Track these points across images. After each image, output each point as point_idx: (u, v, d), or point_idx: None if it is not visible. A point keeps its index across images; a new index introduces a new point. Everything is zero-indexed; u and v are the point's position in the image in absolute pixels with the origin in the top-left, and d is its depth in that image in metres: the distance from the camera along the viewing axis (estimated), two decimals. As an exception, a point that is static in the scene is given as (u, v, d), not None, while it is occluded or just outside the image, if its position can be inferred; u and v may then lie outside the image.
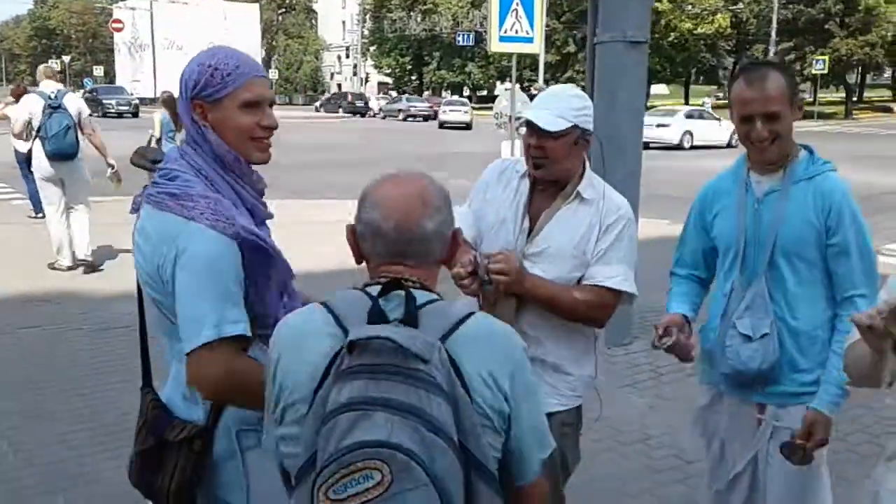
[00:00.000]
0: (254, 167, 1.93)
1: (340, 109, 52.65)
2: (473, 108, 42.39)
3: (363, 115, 51.51)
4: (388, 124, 43.11)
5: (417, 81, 70.52)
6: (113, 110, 41.96)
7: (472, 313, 1.40)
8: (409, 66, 68.66)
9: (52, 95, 7.50)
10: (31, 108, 7.53)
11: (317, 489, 1.22)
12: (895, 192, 14.91)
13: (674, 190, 13.83)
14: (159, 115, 10.02)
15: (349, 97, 56.16)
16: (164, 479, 1.84)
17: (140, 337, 2.05)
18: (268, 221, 1.99)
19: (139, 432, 1.94)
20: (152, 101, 43.15)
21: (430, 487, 1.19)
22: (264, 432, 1.52)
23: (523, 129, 2.43)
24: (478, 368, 1.33)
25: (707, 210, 2.59)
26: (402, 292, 1.37)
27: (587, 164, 2.49)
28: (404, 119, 46.19)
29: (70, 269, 7.82)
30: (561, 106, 2.34)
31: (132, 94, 47.77)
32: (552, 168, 2.37)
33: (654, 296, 6.95)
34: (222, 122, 1.82)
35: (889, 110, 50.42)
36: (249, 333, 1.73)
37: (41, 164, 7.54)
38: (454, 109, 40.46)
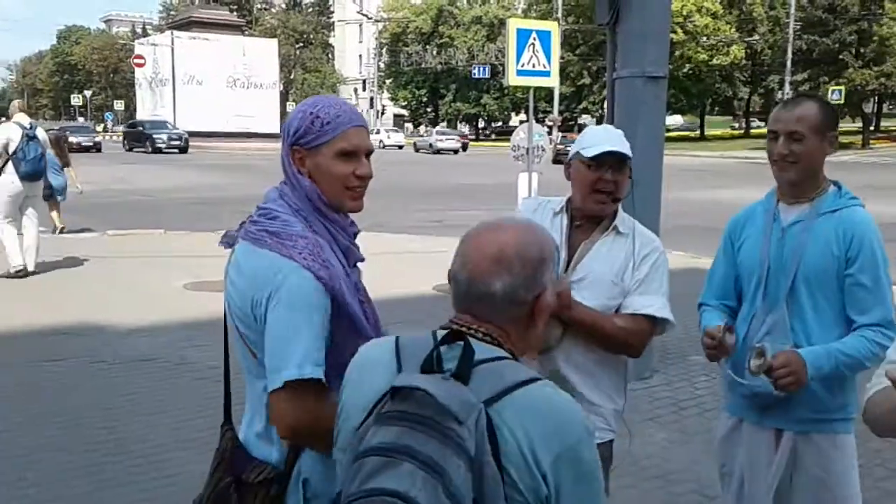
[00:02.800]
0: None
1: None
2: (492, 140, 44.49)
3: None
4: (403, 156, 43.65)
5: (433, 113, 71.05)
6: (164, 145, 41.09)
7: (534, 380, 1.34)
8: (425, 99, 69.24)
9: (29, 126, 9.01)
10: (9, 134, 8.81)
11: None
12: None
13: (693, 221, 13.81)
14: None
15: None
16: None
17: (224, 373, 2.07)
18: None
19: (215, 470, 1.92)
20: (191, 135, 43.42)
21: None
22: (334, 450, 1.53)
23: (540, 154, 2.51)
24: (517, 439, 1.27)
25: (735, 238, 2.65)
26: (463, 343, 1.35)
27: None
28: (436, 152, 49.15)
29: (25, 273, 8.89)
30: (615, 139, 2.45)
31: (178, 128, 46.71)
32: (616, 200, 2.47)
33: (673, 329, 6.94)
34: (318, 170, 1.86)
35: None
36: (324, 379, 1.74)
37: (13, 183, 8.86)
38: (449, 138, 50.82)
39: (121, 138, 48.89)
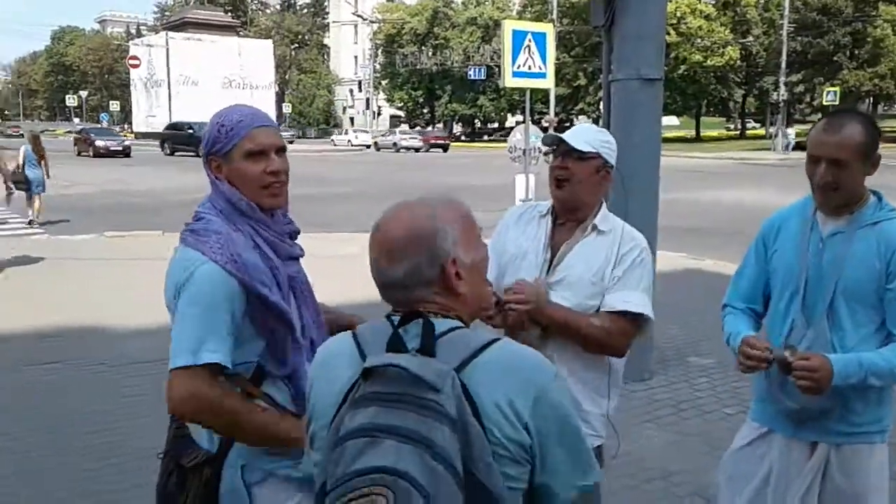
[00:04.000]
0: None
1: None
2: (486, 141, 44.41)
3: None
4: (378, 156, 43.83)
5: (429, 114, 71.05)
6: None
7: (494, 340, 1.40)
8: (421, 100, 69.26)
9: None
10: None
11: None
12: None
13: (691, 222, 13.82)
14: (24, 147, 14.16)
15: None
16: (182, 503, 1.97)
17: None
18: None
19: (163, 458, 2.08)
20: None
21: None
22: (304, 456, 1.58)
23: (549, 158, 2.57)
24: (494, 397, 1.33)
25: (769, 243, 2.58)
26: (422, 321, 1.39)
27: (604, 201, 2.59)
28: (397, 150, 50.06)
29: None
30: (588, 136, 2.52)
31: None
32: (574, 189, 2.48)
33: (671, 332, 7.00)
34: (233, 174, 1.99)
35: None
36: (226, 363, 1.86)
37: None
38: (412, 137, 52.44)
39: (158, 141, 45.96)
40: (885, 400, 2.45)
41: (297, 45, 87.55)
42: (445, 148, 50.79)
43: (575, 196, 2.50)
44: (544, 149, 11.39)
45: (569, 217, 2.55)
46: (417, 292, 1.43)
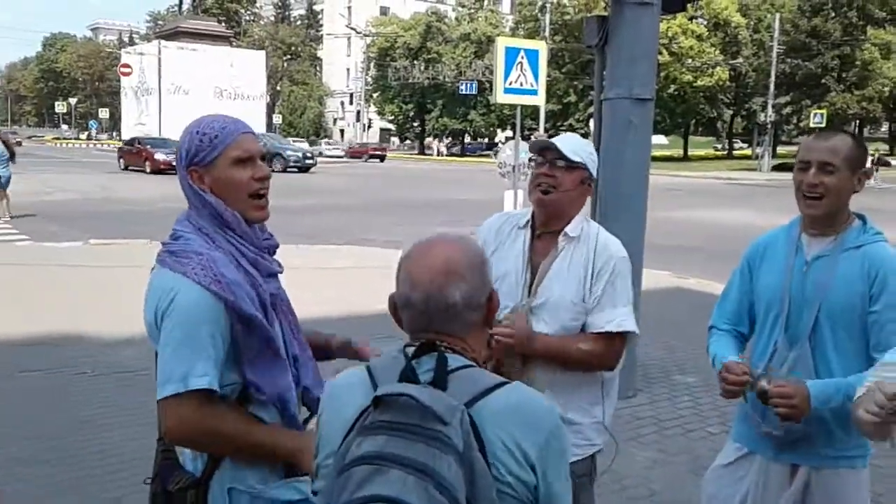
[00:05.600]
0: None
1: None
2: (477, 156, 44.73)
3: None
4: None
5: (420, 128, 71.26)
6: (294, 163, 36.25)
7: (505, 382, 1.41)
8: (412, 113, 69.46)
9: None
10: None
11: None
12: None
13: (676, 241, 13.90)
14: None
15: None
16: None
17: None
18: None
19: (151, 483, 2.03)
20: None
21: None
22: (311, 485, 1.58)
23: (527, 171, 2.55)
24: (501, 437, 1.34)
25: (754, 266, 2.59)
26: (436, 354, 1.40)
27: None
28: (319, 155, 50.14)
29: None
30: (576, 145, 2.53)
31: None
32: (558, 197, 2.47)
33: (655, 350, 7.03)
34: (218, 183, 1.93)
35: (887, 164, 50.86)
36: (215, 387, 1.82)
37: None
38: (335, 148, 57.31)
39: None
40: None
41: (289, 56, 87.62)
42: (382, 158, 55.51)
43: (559, 206, 2.50)
44: (534, 162, 11.53)
45: (547, 228, 2.54)
46: (466, 320, 1.45)
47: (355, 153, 56.18)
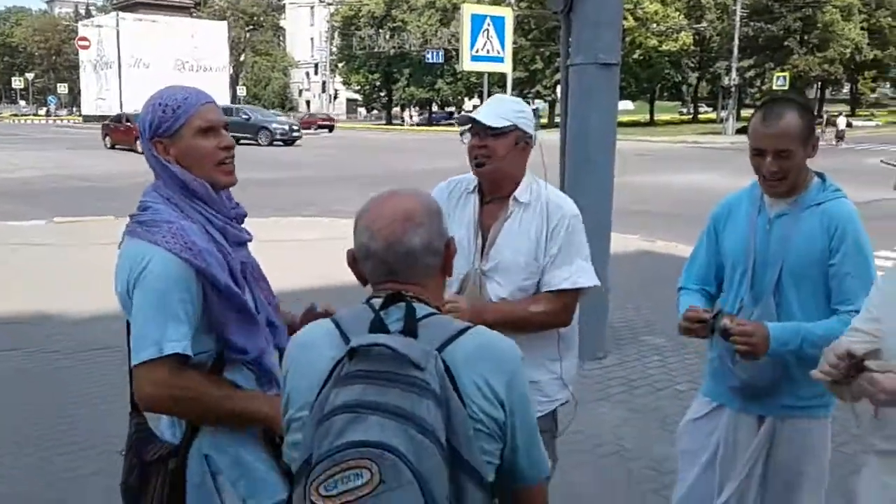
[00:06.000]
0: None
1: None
2: (443, 125, 44.35)
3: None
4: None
5: (386, 98, 70.73)
6: (280, 136, 35.60)
7: (470, 327, 1.48)
8: (379, 83, 68.88)
9: None
10: None
11: (309, 485, 1.29)
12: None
13: (644, 205, 14.05)
14: None
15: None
16: (147, 499, 1.96)
17: (129, 361, 2.09)
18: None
19: (126, 456, 2.06)
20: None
21: (414, 486, 1.25)
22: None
23: (467, 137, 2.52)
24: (473, 377, 1.41)
25: (720, 227, 2.69)
26: (403, 304, 1.45)
27: (527, 172, 2.57)
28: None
29: None
30: (501, 108, 2.49)
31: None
32: (495, 166, 2.47)
33: (625, 312, 7.15)
34: (184, 152, 1.95)
35: (849, 125, 51.75)
36: (189, 352, 1.84)
37: None
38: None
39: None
40: None
41: (252, 26, 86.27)
42: (331, 129, 55.27)
43: (498, 173, 2.50)
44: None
45: (496, 194, 2.55)
46: (427, 266, 1.50)
47: (305, 124, 54.66)
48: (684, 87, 63.79)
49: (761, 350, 2.38)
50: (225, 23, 68.66)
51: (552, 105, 57.75)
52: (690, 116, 66.95)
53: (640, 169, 21.08)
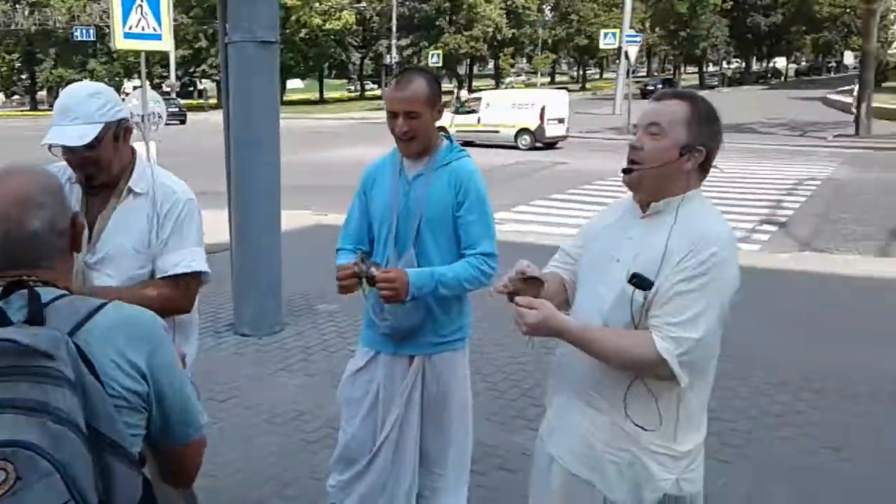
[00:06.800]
0: None
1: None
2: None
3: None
4: None
5: (30, 81, 63.63)
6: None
7: (105, 303, 1.45)
8: (19, 64, 61.67)
9: None
10: None
11: None
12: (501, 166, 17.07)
13: (317, 180, 14.39)
14: None
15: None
16: None
17: None
18: None
19: None
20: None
21: (54, 476, 1.23)
22: None
23: (57, 148, 2.35)
24: (111, 354, 1.38)
25: (368, 189, 2.98)
26: (25, 291, 1.38)
27: (137, 156, 2.49)
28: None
29: None
30: (81, 113, 2.30)
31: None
32: (105, 175, 2.38)
33: (300, 284, 7.39)
34: None
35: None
36: None
37: None
38: None
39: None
40: (465, 311, 3.03)
41: None
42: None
43: (101, 171, 2.37)
44: (164, 115, 10.99)
45: (100, 185, 2.41)
46: (51, 248, 1.44)
47: None
48: (350, 66, 65.56)
49: (403, 294, 2.71)
50: None
51: (219, 85, 56.13)
52: (358, 94, 69.17)
53: (314, 145, 21.42)
